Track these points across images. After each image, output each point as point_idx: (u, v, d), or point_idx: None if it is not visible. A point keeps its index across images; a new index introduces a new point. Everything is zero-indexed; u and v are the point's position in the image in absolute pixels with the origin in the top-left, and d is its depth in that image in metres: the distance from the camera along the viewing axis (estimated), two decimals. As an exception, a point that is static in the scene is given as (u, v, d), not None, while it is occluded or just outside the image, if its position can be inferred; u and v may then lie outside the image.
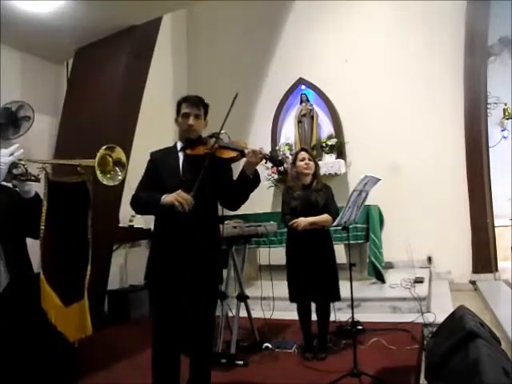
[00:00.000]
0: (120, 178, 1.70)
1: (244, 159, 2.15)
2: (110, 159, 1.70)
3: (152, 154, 2.30)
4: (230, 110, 2.15)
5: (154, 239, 2.27)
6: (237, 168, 2.21)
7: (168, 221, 2.11)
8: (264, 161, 2.14)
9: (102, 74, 4.35)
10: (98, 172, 1.63)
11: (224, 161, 2.20)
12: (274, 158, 2.20)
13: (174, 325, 2.14)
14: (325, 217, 3.09)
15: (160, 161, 2.25)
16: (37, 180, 1.73)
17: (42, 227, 1.68)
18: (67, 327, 1.76)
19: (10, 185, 1.77)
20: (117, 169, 1.71)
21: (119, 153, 1.72)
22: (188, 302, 2.16)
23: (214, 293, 2.28)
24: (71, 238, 1.83)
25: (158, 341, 2.15)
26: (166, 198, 2.04)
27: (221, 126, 2.17)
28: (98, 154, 1.65)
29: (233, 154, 2.17)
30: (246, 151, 2.11)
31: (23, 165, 1.69)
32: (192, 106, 2.24)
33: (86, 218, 1.87)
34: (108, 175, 1.68)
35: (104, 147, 1.68)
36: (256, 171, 2.14)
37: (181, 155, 2.24)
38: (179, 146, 2.28)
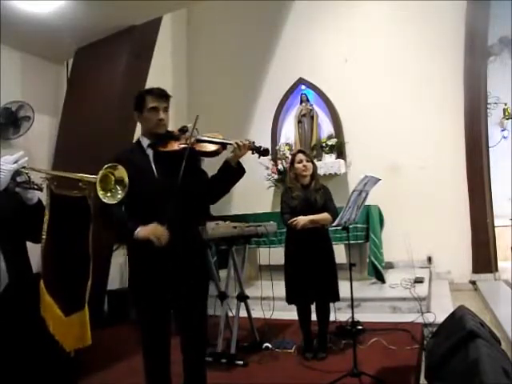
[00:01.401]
0: (120, 196, 1.67)
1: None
2: (112, 177, 1.69)
3: (117, 156, 2.07)
4: (194, 128, 2.08)
5: (132, 244, 2.12)
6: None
7: (145, 223, 1.99)
8: (250, 152, 2.11)
9: (101, 74, 4.36)
10: (98, 189, 1.62)
11: (203, 154, 2.13)
12: (260, 149, 2.14)
13: (162, 329, 2.11)
14: (324, 215, 3.10)
15: (128, 162, 1.96)
16: (39, 189, 1.74)
17: (44, 236, 1.68)
18: (65, 337, 1.76)
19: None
20: (118, 187, 1.68)
21: (121, 172, 1.70)
22: (176, 304, 2.11)
23: (202, 292, 2.20)
24: (71, 251, 1.82)
25: (147, 345, 2.13)
26: (141, 233, 1.93)
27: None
28: (101, 172, 1.64)
29: (215, 147, 2.10)
30: (234, 144, 2.05)
31: (26, 173, 1.69)
32: (160, 98, 2.10)
33: (87, 232, 1.86)
34: (109, 193, 1.66)
35: (106, 166, 1.67)
36: (239, 162, 2.10)
37: (150, 153, 2.11)
38: (145, 142, 2.14)
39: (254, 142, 2.13)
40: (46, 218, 1.68)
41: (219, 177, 2.13)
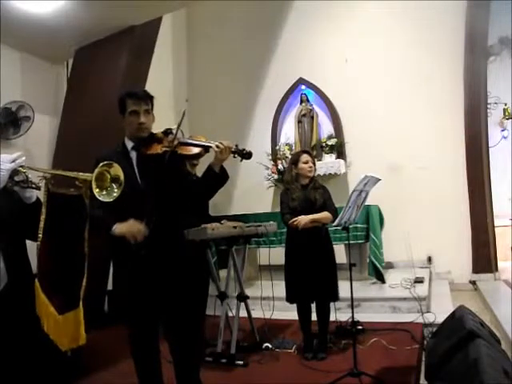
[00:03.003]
0: (115, 194, 1.67)
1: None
2: (108, 175, 1.68)
3: (101, 158, 1.98)
4: (180, 123, 2.03)
5: (116, 253, 2.11)
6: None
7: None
8: (232, 155, 2.06)
9: (102, 74, 4.36)
10: (94, 187, 1.62)
11: (185, 158, 2.09)
12: (242, 152, 2.08)
13: (152, 335, 2.11)
14: (325, 213, 3.11)
15: None
16: (37, 188, 1.75)
17: (40, 235, 1.69)
18: (60, 336, 1.75)
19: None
20: (113, 185, 1.68)
21: (117, 170, 1.70)
22: (162, 310, 2.09)
23: (190, 296, 2.16)
24: (67, 249, 1.83)
25: (137, 349, 2.13)
26: (118, 229, 1.89)
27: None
28: (96, 170, 1.63)
29: (197, 150, 2.05)
30: (215, 147, 2.00)
31: (24, 172, 1.70)
32: (140, 101, 2.05)
33: (83, 231, 1.86)
34: (104, 191, 1.66)
35: (101, 164, 1.66)
36: (222, 167, 2.05)
37: (133, 155, 2.08)
38: (129, 144, 2.10)
39: (237, 145, 2.08)
40: (43, 217, 1.69)
41: (202, 182, 2.11)
